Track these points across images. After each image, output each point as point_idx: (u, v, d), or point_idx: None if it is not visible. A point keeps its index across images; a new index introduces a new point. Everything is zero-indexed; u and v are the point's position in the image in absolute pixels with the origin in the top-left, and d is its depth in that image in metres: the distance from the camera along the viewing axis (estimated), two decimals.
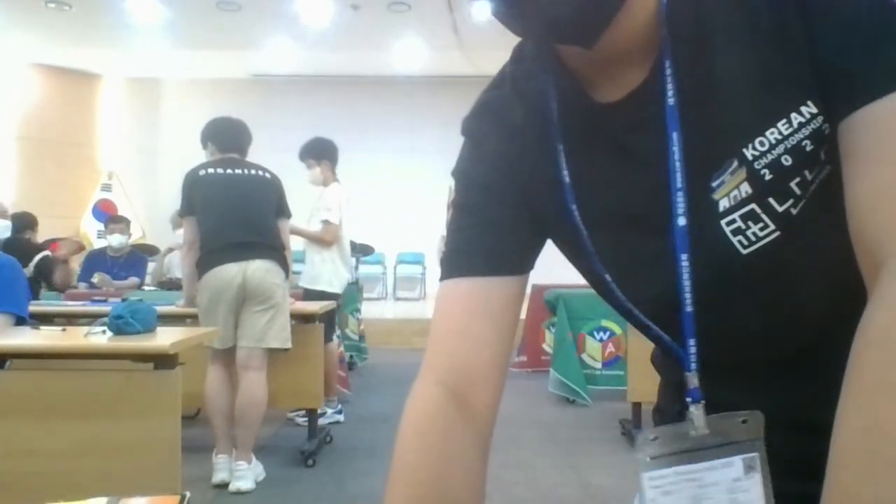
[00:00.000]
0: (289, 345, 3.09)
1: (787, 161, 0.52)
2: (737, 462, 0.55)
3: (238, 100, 9.84)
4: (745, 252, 0.54)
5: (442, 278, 0.64)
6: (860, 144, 0.48)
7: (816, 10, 0.50)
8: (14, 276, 2.28)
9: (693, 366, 0.58)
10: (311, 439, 3.40)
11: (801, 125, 0.51)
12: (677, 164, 0.55)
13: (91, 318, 2.99)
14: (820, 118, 0.51)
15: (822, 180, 0.53)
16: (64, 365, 2.15)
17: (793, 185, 0.52)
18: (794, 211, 0.53)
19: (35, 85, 9.55)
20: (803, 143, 0.52)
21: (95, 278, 4.94)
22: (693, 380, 0.58)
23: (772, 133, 0.52)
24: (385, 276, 10.44)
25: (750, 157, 0.53)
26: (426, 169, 9.16)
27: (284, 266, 3.09)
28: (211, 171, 3.12)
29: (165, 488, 1.94)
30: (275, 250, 3.07)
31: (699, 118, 0.54)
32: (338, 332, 4.44)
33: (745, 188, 0.53)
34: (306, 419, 3.60)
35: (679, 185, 0.55)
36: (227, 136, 3.27)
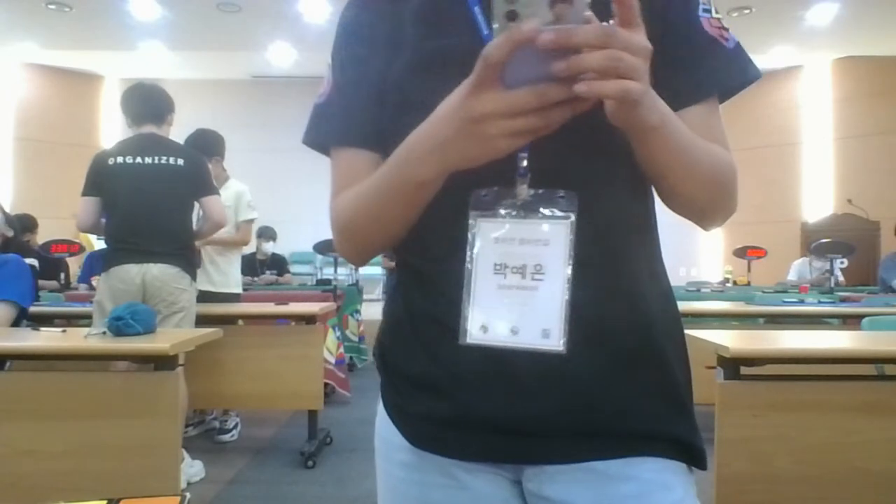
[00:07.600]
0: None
1: None
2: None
3: (238, 101, 9.88)
4: None
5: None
6: (696, 119, 0.69)
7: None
8: (20, 270, 2.33)
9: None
10: (311, 440, 3.40)
11: None
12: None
13: (91, 320, 2.99)
14: None
15: None
16: (64, 366, 2.15)
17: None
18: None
19: (35, 86, 9.56)
20: None
21: (94, 281, 4.93)
22: (523, 161, 0.65)
23: None
24: (385, 277, 10.44)
25: None
26: None
27: (189, 269, 2.98)
28: (120, 160, 2.92)
29: (165, 488, 1.94)
30: (179, 255, 2.93)
31: None
32: (338, 333, 4.44)
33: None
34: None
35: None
36: (138, 105, 3.00)
